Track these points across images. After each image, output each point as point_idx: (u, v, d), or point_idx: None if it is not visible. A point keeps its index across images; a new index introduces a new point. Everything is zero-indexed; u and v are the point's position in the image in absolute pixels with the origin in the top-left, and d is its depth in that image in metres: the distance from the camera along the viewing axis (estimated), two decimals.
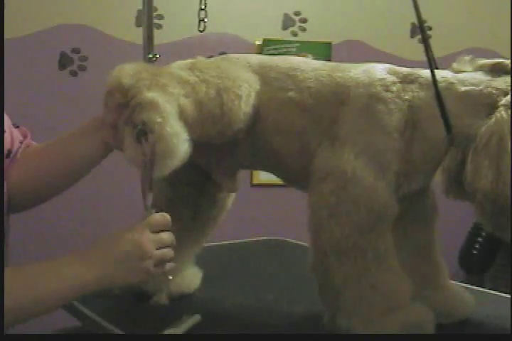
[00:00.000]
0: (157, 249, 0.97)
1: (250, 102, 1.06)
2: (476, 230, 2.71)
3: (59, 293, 0.93)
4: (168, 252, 0.99)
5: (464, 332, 1.10)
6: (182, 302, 1.21)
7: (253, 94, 1.07)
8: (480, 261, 2.73)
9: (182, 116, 1.01)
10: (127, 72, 1.05)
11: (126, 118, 1.02)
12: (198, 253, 1.27)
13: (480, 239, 2.72)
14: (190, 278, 1.26)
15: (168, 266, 1.01)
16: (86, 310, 1.17)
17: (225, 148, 1.12)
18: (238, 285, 1.35)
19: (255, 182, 2.65)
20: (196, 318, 1.09)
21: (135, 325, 1.11)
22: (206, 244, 1.29)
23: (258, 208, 2.69)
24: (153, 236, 0.97)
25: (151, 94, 1.00)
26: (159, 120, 0.98)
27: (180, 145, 0.99)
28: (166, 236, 0.99)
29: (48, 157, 1.14)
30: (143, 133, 0.99)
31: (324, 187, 1.00)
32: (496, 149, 0.92)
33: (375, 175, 0.98)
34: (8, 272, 0.89)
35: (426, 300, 1.06)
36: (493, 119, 0.93)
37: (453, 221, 2.34)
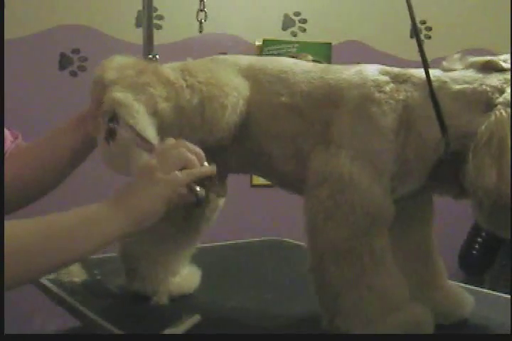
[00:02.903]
0: None
1: (237, 111, 1.05)
2: (476, 230, 2.71)
3: (77, 230, 0.85)
4: (189, 156, 0.93)
5: (463, 333, 1.10)
6: (182, 302, 1.21)
7: (241, 102, 1.06)
8: (480, 261, 2.73)
9: (157, 119, 1.01)
10: (114, 65, 1.05)
11: (102, 114, 1.02)
12: (193, 252, 1.27)
13: (480, 239, 2.72)
14: (190, 278, 1.26)
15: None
16: (86, 310, 1.17)
17: (212, 153, 1.12)
18: (238, 285, 1.34)
19: (255, 182, 2.65)
20: (196, 318, 1.09)
21: (135, 325, 1.11)
22: (206, 244, 1.29)
23: (258, 208, 2.69)
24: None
25: (122, 94, 1.00)
26: (131, 121, 0.97)
27: None
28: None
29: (33, 153, 1.12)
30: (112, 132, 0.98)
31: (321, 192, 0.99)
32: (498, 148, 0.91)
33: (371, 178, 0.98)
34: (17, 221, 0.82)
35: (425, 300, 1.05)
36: (493, 118, 0.92)
37: (453, 221, 2.35)
